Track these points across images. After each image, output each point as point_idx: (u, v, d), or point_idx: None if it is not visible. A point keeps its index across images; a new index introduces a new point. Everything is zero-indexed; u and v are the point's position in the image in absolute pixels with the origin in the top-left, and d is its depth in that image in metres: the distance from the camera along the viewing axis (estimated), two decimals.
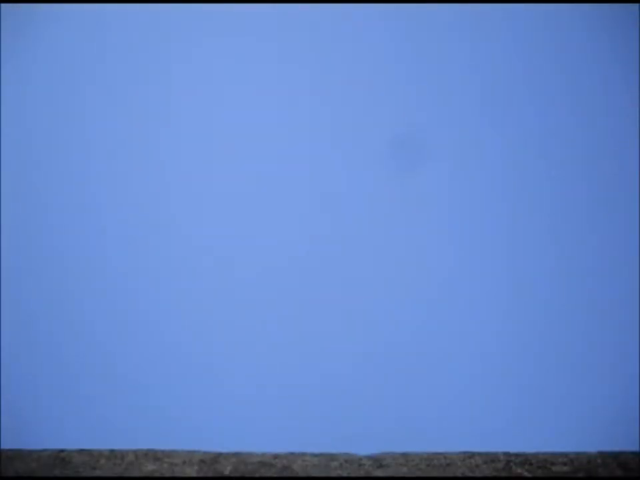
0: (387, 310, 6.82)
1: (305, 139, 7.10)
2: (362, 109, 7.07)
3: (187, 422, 6.34)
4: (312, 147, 7.10)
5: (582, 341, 6.62)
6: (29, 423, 5.91)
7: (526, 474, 3.53)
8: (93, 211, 6.93)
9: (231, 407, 6.45)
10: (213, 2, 6.82)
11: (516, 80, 6.99)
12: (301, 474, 3.54)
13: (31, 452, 3.65)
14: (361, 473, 3.54)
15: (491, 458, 3.60)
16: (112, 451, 3.65)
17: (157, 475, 3.54)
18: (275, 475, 3.53)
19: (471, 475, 3.52)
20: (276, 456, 3.63)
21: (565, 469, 3.55)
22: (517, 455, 3.62)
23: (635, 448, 3.62)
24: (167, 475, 3.54)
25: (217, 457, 3.62)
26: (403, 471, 3.54)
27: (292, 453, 3.64)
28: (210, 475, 3.54)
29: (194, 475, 3.55)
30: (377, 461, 3.59)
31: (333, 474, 3.53)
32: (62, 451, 3.66)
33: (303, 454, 3.64)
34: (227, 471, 3.56)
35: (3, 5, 6.36)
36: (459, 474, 3.52)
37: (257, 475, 3.53)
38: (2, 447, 3.66)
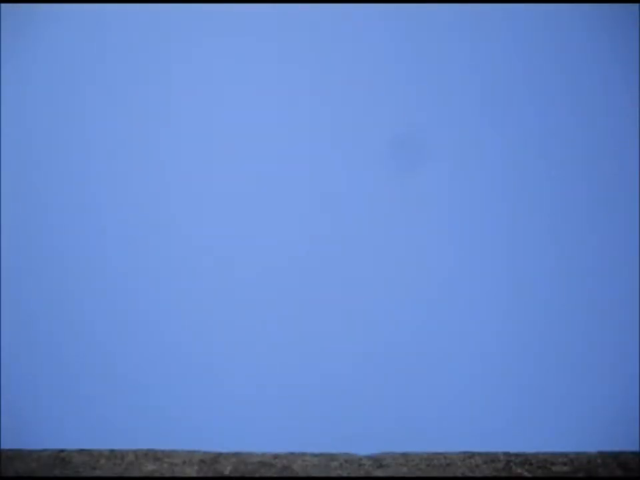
0: (387, 310, 6.82)
1: (304, 139, 7.11)
2: (362, 109, 7.07)
3: (187, 422, 6.34)
4: (312, 147, 7.10)
5: (582, 340, 6.62)
6: (28, 423, 5.91)
7: (526, 474, 3.53)
8: (93, 211, 6.93)
9: (231, 407, 6.45)
10: (213, 2, 6.83)
11: (516, 80, 6.99)
12: (301, 474, 3.54)
13: (31, 452, 3.65)
14: (361, 473, 3.54)
15: (490, 458, 3.60)
16: (112, 451, 3.65)
17: (157, 475, 3.54)
18: (275, 475, 3.53)
19: (470, 474, 3.52)
20: (276, 456, 3.63)
21: (565, 469, 3.55)
22: (517, 455, 3.62)
23: (635, 448, 3.62)
24: (167, 475, 3.54)
25: (216, 457, 3.62)
26: (403, 471, 3.54)
27: (292, 453, 3.64)
28: (210, 475, 3.55)
29: (194, 474, 3.55)
30: (377, 461, 3.60)
31: (333, 474, 3.53)
32: (62, 450, 3.66)
33: (303, 454, 3.64)
34: (227, 471, 3.56)
35: (2, 5, 6.36)
36: (459, 474, 3.53)
37: (257, 475, 3.53)
38: (2, 447, 3.66)
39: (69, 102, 6.97)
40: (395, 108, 7.07)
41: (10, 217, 6.68)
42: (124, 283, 6.85)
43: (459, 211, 6.97)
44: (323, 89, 7.09)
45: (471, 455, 3.62)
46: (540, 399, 6.47)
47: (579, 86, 6.94)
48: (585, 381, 6.44)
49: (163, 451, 3.65)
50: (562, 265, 6.85)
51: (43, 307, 6.72)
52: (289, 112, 7.10)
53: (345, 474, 3.53)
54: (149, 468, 3.57)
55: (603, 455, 3.61)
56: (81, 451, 3.65)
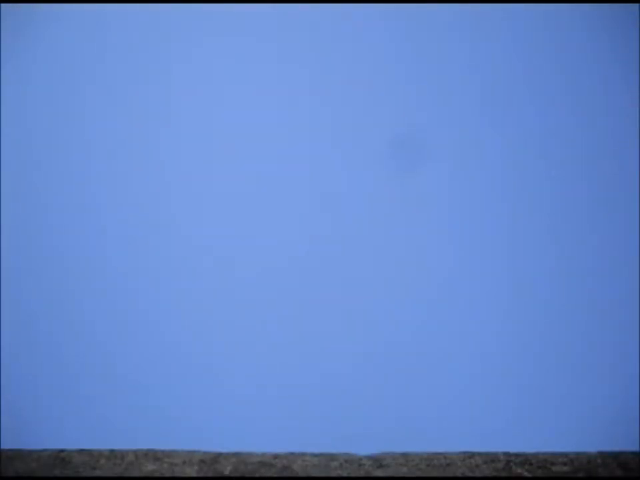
0: (387, 310, 6.82)
1: (304, 139, 7.11)
2: (362, 109, 7.07)
3: (187, 422, 6.34)
4: (312, 147, 7.10)
5: (582, 341, 6.62)
6: (29, 423, 5.91)
7: (526, 474, 3.53)
8: (93, 211, 6.93)
9: (231, 407, 6.45)
10: (213, 2, 6.83)
11: (516, 80, 6.99)
12: (301, 474, 3.54)
13: (31, 452, 3.65)
14: (361, 473, 3.54)
15: (490, 458, 3.60)
16: (112, 450, 3.65)
17: (157, 474, 3.54)
18: (275, 475, 3.53)
19: (470, 474, 3.52)
20: (276, 456, 3.63)
21: (565, 469, 3.55)
22: (517, 455, 3.62)
23: (635, 448, 3.62)
24: (167, 475, 3.54)
25: (216, 457, 3.62)
26: (403, 471, 3.54)
27: (292, 453, 3.64)
28: (210, 475, 3.54)
29: (194, 474, 3.55)
30: (377, 461, 3.59)
31: (333, 474, 3.53)
32: (62, 450, 3.66)
33: (303, 454, 3.64)
34: (227, 471, 3.56)
35: (2, 5, 6.37)
36: (459, 474, 3.53)
37: (257, 475, 3.53)
38: (2, 447, 3.66)
39: (69, 102, 6.97)
40: (394, 108, 7.07)
41: (10, 217, 6.68)
42: (124, 283, 6.85)
43: (459, 211, 6.97)
44: (323, 89, 7.10)
45: (471, 454, 3.62)
46: (540, 399, 6.47)
47: (578, 86, 6.94)
48: (584, 381, 6.44)
49: (163, 451, 3.65)
50: (562, 265, 6.85)
51: (43, 306, 6.72)
52: (288, 112, 7.11)
53: (344, 474, 3.53)
54: (149, 468, 3.57)
55: (602, 454, 3.61)
56: (81, 451, 3.65)
